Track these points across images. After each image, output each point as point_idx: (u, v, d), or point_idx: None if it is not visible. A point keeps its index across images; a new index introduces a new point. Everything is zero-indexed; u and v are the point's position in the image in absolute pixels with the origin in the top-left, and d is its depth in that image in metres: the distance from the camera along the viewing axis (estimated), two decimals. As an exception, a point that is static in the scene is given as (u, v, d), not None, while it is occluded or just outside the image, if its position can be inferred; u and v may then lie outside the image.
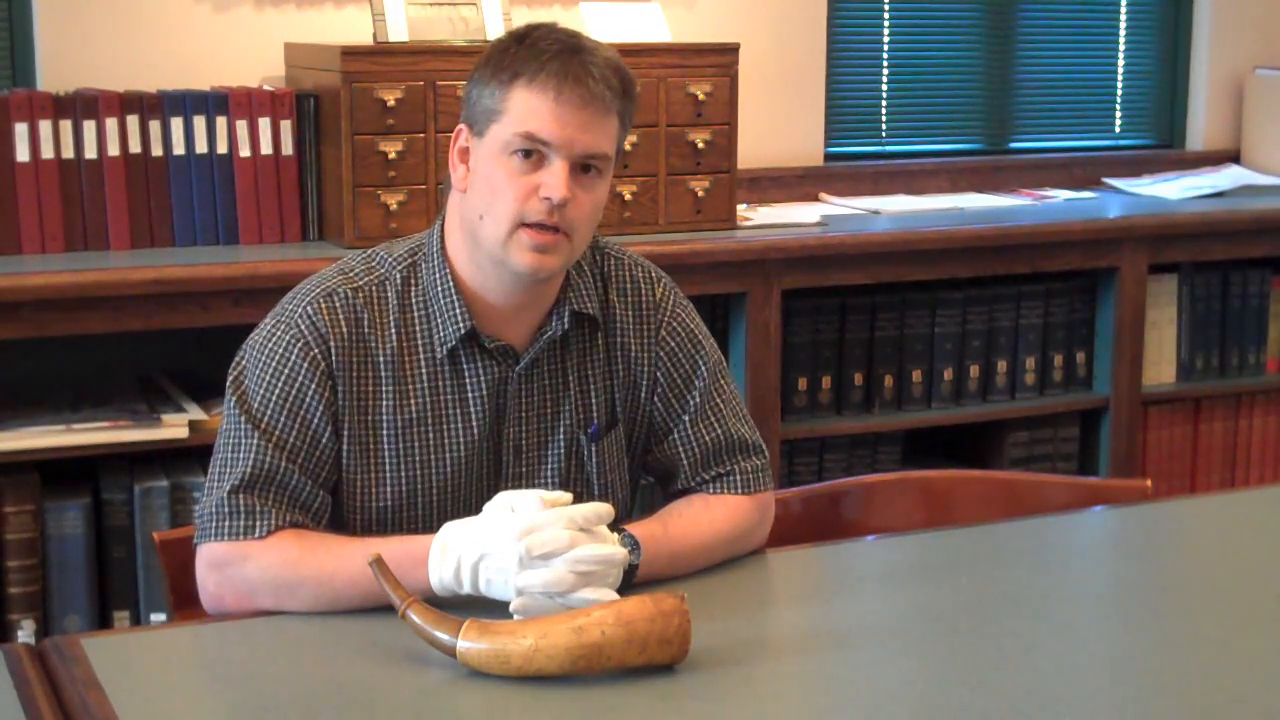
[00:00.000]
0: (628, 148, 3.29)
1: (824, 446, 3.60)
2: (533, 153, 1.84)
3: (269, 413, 1.88)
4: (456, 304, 1.92)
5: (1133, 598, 1.95)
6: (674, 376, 2.02)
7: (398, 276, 1.94)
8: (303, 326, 1.90)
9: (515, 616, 1.70)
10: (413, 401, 1.93)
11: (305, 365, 1.89)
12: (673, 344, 2.03)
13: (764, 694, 1.62)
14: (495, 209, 1.86)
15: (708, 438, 2.01)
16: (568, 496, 1.78)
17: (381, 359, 1.92)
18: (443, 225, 1.97)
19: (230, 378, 1.92)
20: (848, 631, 1.78)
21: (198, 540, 1.88)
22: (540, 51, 1.84)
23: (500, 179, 1.85)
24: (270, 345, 1.91)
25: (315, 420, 1.89)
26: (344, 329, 1.91)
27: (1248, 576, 1.98)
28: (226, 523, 1.85)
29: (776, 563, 2.02)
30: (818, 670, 1.69)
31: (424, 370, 1.93)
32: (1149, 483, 2.34)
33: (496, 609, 1.72)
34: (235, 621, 1.83)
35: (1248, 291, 3.96)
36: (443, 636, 1.63)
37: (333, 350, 1.90)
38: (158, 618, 2.97)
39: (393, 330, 1.92)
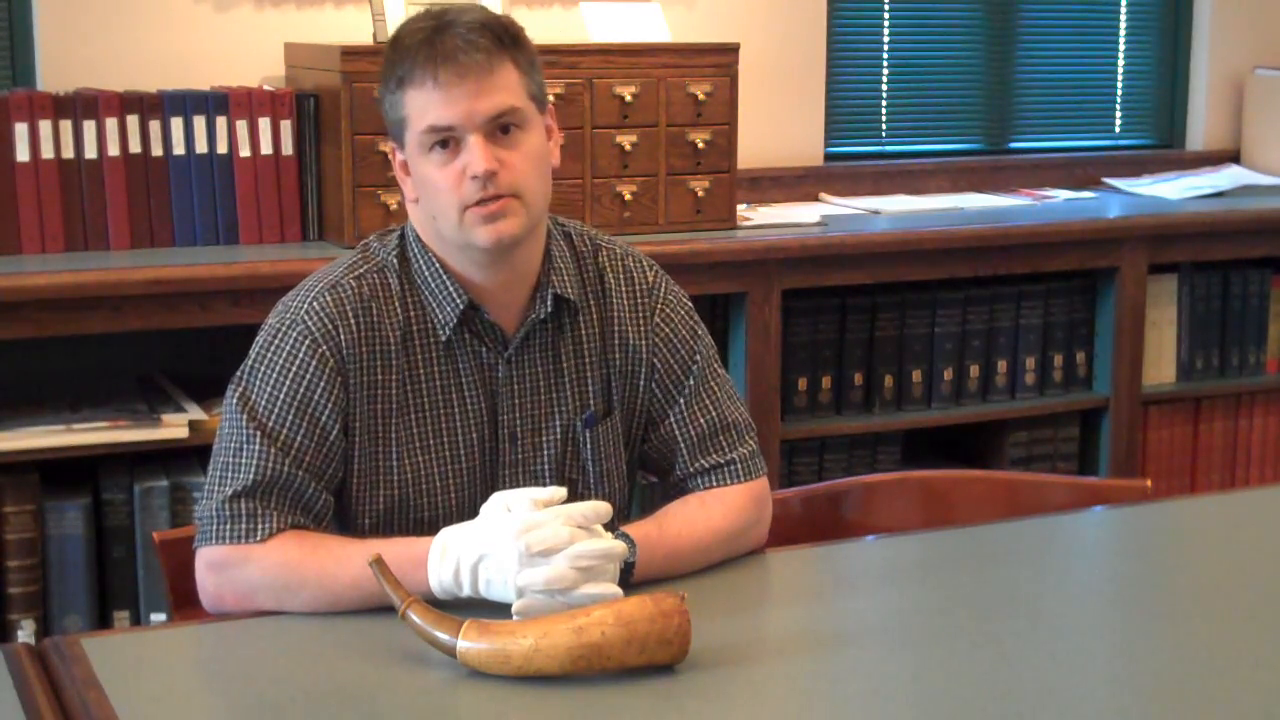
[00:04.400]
0: (628, 147, 3.30)
1: (824, 446, 3.60)
2: (447, 141, 1.86)
3: (275, 413, 1.88)
4: (449, 284, 1.93)
5: (1133, 598, 1.95)
6: (670, 362, 2.03)
7: (394, 261, 1.95)
8: (310, 323, 1.90)
9: (517, 618, 1.70)
10: (411, 387, 1.93)
11: (314, 363, 1.89)
12: (668, 330, 2.03)
13: (764, 694, 1.62)
14: (439, 205, 1.88)
15: (703, 420, 2.02)
16: (562, 492, 1.78)
17: (392, 344, 1.92)
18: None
19: (234, 379, 1.92)
20: (848, 631, 1.78)
21: (198, 543, 1.88)
22: (407, 48, 1.86)
23: (432, 177, 1.88)
24: (277, 343, 1.91)
25: (324, 418, 1.89)
26: (353, 320, 1.91)
27: (1248, 576, 1.98)
28: (227, 526, 1.85)
29: (776, 563, 2.02)
30: (818, 670, 1.69)
31: (419, 355, 1.94)
32: (1149, 483, 2.34)
33: (497, 609, 1.72)
34: (235, 621, 1.83)
35: (1248, 291, 3.96)
36: (443, 636, 1.63)
37: (343, 343, 1.90)
38: (158, 618, 2.97)
39: (399, 314, 1.93)
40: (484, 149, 1.85)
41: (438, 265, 1.94)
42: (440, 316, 1.93)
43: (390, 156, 1.97)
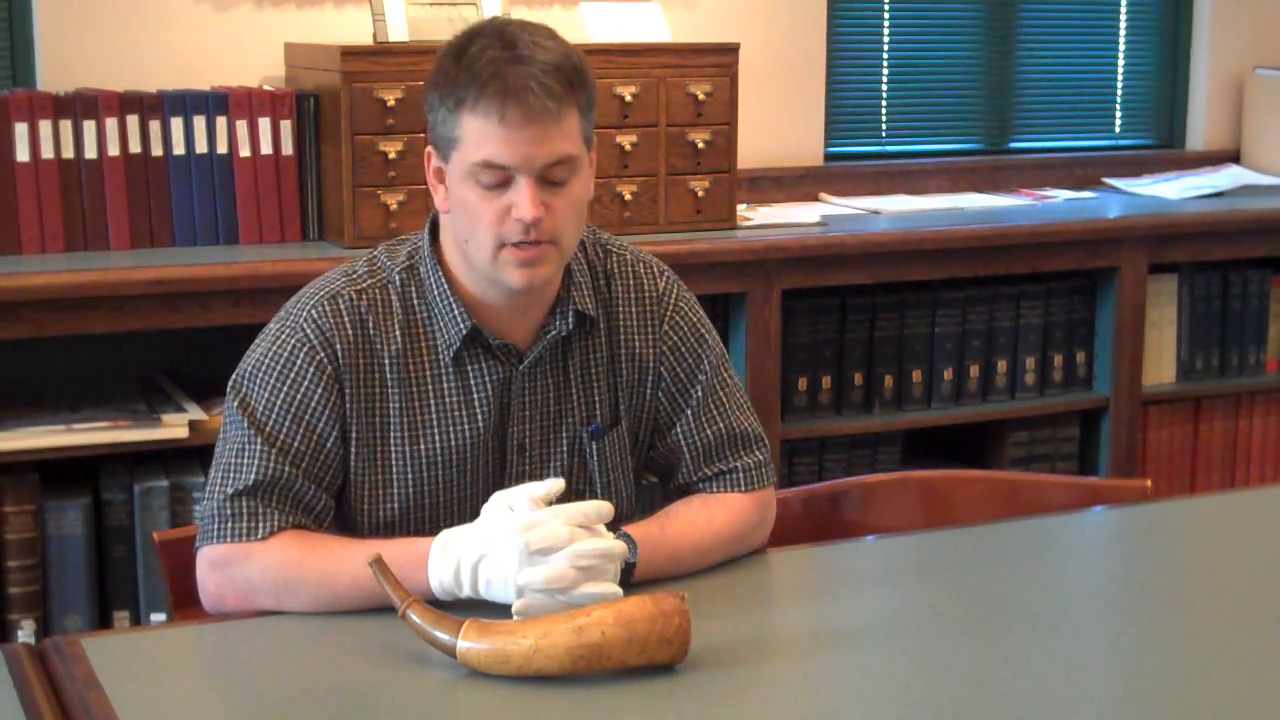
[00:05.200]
0: (628, 147, 3.30)
1: (824, 446, 3.60)
2: (496, 176, 1.83)
3: (274, 417, 1.88)
4: (455, 307, 1.92)
5: (1133, 598, 1.95)
6: (677, 371, 2.02)
7: (398, 279, 1.94)
8: (308, 330, 1.90)
9: (517, 618, 1.70)
10: (418, 402, 1.93)
11: (311, 370, 1.89)
12: (675, 338, 2.03)
13: (764, 694, 1.62)
14: (476, 234, 1.86)
15: (710, 432, 2.02)
16: (560, 483, 1.78)
17: (387, 361, 1.92)
18: (432, 230, 1.98)
19: (233, 381, 1.92)
20: (848, 631, 1.78)
21: (199, 543, 1.88)
22: (477, 73, 1.81)
23: (473, 205, 1.85)
24: (275, 350, 1.90)
25: (321, 425, 1.89)
26: (349, 331, 1.91)
27: (1248, 576, 1.98)
28: (229, 525, 1.85)
29: (776, 563, 2.02)
30: (818, 670, 1.69)
31: (428, 371, 1.93)
32: (1149, 483, 2.34)
33: (497, 609, 1.72)
34: (235, 621, 1.83)
35: (1248, 291, 3.96)
36: (443, 636, 1.63)
37: (339, 353, 1.90)
38: (158, 618, 2.97)
39: (397, 332, 1.92)
40: (533, 194, 1.82)
41: (446, 286, 1.93)
42: (444, 338, 1.93)
43: (425, 160, 1.93)
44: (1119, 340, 3.74)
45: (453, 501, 1.95)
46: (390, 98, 3.10)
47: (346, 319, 1.91)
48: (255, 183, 3.18)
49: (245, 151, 3.17)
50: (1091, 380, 3.81)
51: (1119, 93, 4.39)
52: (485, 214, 1.84)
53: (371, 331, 1.92)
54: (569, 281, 1.97)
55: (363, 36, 3.35)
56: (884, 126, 4.13)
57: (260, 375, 1.90)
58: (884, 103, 4.12)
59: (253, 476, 1.85)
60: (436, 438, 1.93)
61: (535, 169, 1.82)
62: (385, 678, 1.65)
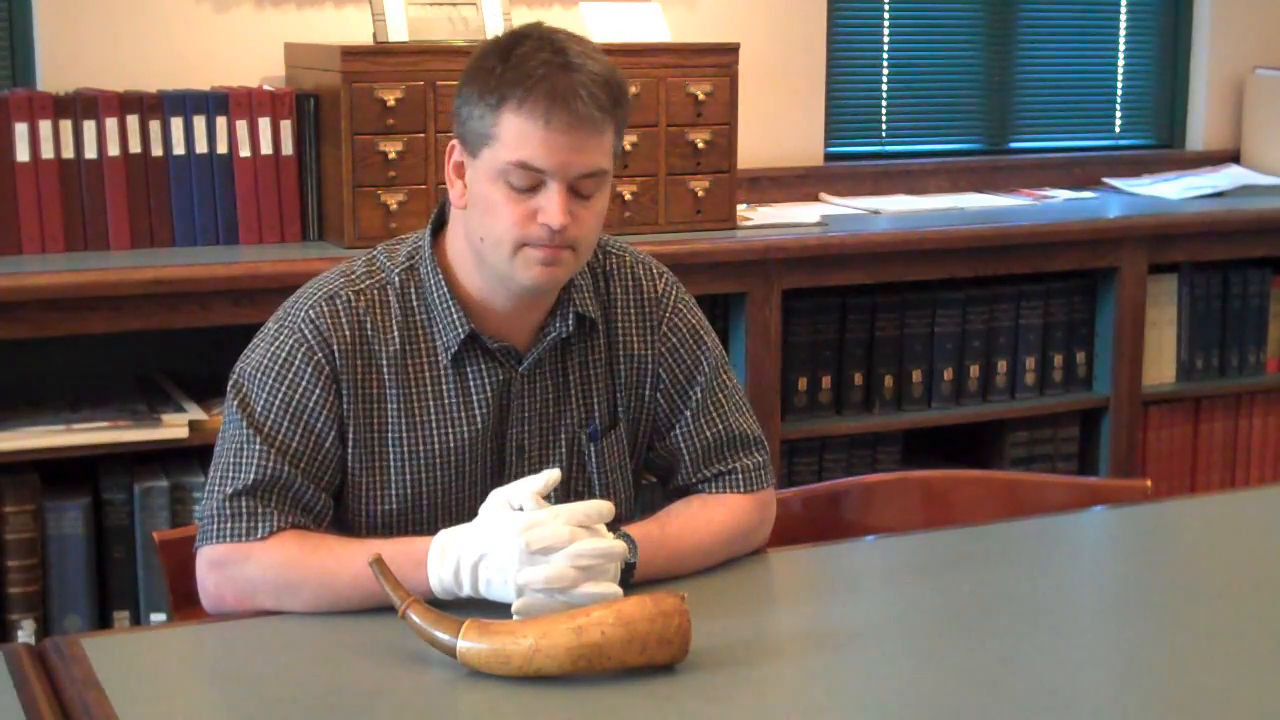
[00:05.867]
0: (628, 147, 3.30)
1: (824, 446, 3.60)
2: (528, 179, 1.83)
3: (272, 418, 1.88)
4: (454, 310, 1.92)
5: (1132, 598, 1.95)
6: (676, 373, 2.02)
7: (397, 280, 1.94)
8: (306, 330, 1.90)
9: (517, 617, 1.70)
10: (417, 403, 1.93)
11: (309, 369, 1.89)
12: (674, 340, 2.03)
13: (764, 694, 1.62)
14: (496, 232, 1.85)
15: (709, 433, 2.02)
16: (556, 474, 1.78)
17: (385, 361, 1.92)
18: (435, 229, 1.98)
19: (232, 381, 1.92)
20: (848, 631, 1.78)
21: (199, 543, 1.88)
22: (526, 74, 1.81)
23: (498, 203, 1.84)
24: (273, 349, 1.90)
25: (319, 425, 1.89)
26: (347, 332, 1.91)
27: (1248, 576, 1.98)
28: (228, 525, 1.85)
29: (776, 563, 2.02)
30: (818, 670, 1.70)
31: (427, 372, 1.93)
32: (1149, 483, 2.34)
33: (496, 609, 1.72)
34: (235, 621, 1.83)
35: (1248, 291, 3.96)
36: (443, 636, 1.63)
37: (336, 353, 1.90)
38: (158, 618, 2.97)
39: (395, 333, 1.92)
40: (564, 202, 1.82)
41: (446, 288, 1.93)
42: (443, 339, 1.93)
43: (447, 153, 1.92)
44: (1119, 340, 3.75)
45: (451, 503, 1.95)
46: (390, 98, 3.10)
47: (344, 319, 1.91)
48: (255, 183, 3.18)
49: (245, 151, 3.17)
50: (1091, 380, 3.81)
51: (1119, 93, 4.39)
52: (510, 215, 1.83)
53: (369, 332, 1.92)
54: (569, 283, 1.97)
55: (363, 36, 3.35)
56: (884, 126, 4.13)
57: (259, 375, 1.90)
58: (884, 103, 4.12)
59: (252, 476, 1.86)
60: (435, 439, 1.93)
61: (569, 177, 1.82)
62: (385, 678, 1.65)
